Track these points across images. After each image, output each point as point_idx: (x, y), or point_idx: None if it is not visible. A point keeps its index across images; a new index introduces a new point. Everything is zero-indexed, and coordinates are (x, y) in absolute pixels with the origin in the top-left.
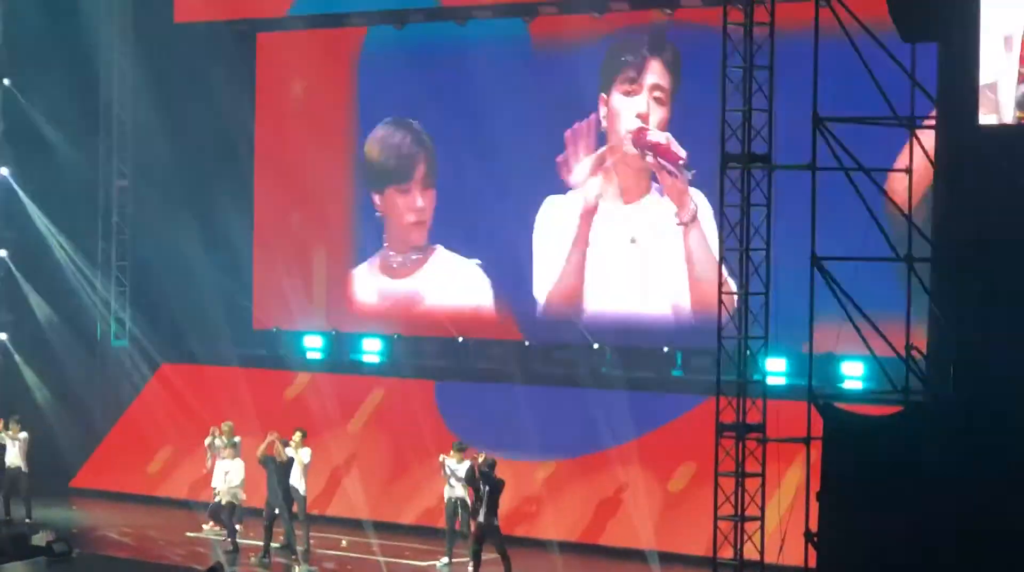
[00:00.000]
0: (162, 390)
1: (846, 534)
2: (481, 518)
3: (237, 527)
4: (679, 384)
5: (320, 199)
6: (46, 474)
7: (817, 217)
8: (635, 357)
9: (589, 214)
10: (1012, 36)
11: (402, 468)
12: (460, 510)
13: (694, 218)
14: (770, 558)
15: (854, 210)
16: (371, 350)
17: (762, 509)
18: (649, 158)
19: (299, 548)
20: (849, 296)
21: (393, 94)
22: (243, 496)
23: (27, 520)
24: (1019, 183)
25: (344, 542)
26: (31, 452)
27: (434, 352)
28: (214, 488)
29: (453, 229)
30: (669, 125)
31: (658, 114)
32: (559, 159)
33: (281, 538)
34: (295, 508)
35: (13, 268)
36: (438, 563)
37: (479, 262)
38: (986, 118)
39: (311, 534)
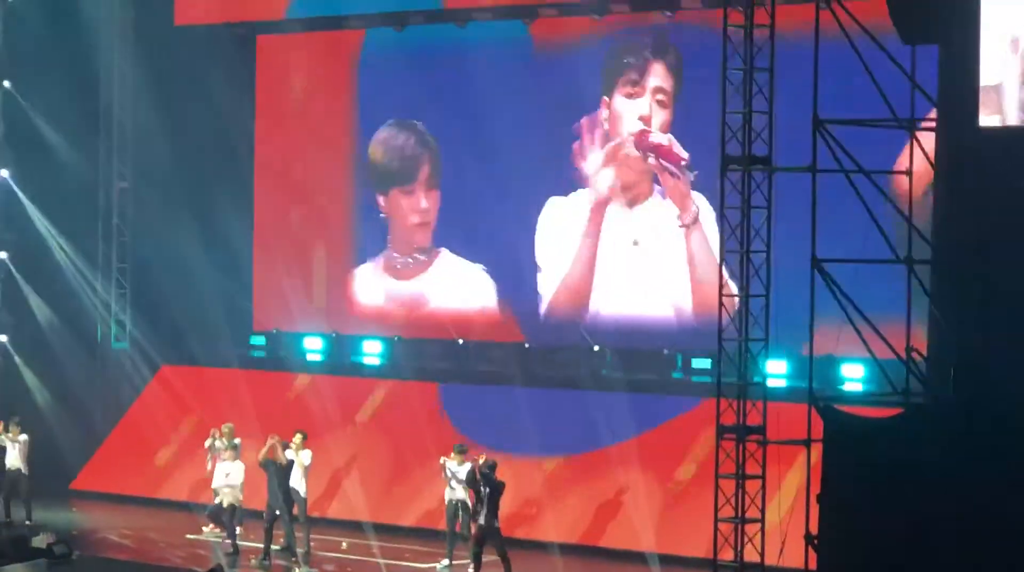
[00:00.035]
0: (162, 392)
1: (846, 536)
2: (482, 520)
3: (237, 529)
4: (679, 386)
5: (320, 201)
6: (46, 476)
7: (817, 219)
8: (635, 359)
9: (601, 206)
10: (1019, 38)
11: (402, 470)
12: (461, 512)
13: (696, 220)
14: (770, 560)
15: (854, 212)
16: (371, 352)
17: (762, 511)
18: (651, 160)
19: (299, 550)
20: (849, 298)
21: (393, 96)
22: (241, 497)
23: (27, 522)
24: (1019, 185)
25: (344, 544)
26: (31, 454)
27: (435, 354)
28: (214, 490)
29: (457, 231)
30: (671, 127)
31: (660, 116)
32: (575, 146)
33: (281, 540)
34: (296, 510)
35: (13, 270)
36: (438, 565)
37: (484, 267)
38: (989, 119)
39: (311, 536)
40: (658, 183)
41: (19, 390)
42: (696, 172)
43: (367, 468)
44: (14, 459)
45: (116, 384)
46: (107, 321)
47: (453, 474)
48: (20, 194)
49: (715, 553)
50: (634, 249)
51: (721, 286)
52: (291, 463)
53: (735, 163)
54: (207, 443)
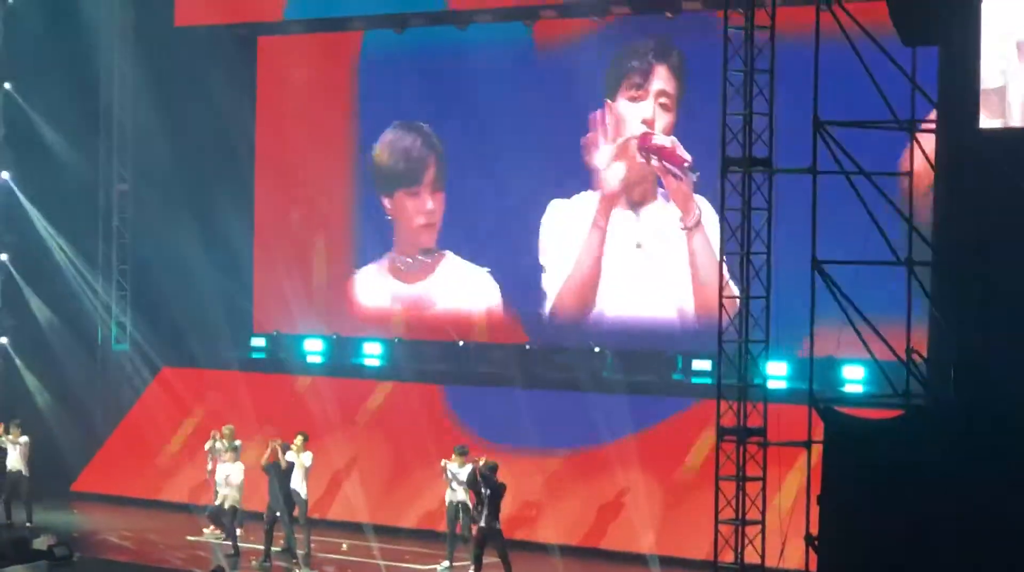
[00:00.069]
0: (163, 393)
1: (847, 537)
2: (483, 522)
3: (238, 530)
4: (680, 388)
5: (321, 202)
6: (47, 478)
7: (818, 221)
8: (636, 361)
9: (609, 203)
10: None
11: (403, 472)
12: (461, 514)
13: (698, 223)
14: (771, 562)
15: (854, 214)
16: (372, 354)
17: (763, 513)
18: (654, 162)
19: (300, 552)
20: (850, 300)
21: (394, 98)
22: (241, 498)
23: (28, 524)
24: (1019, 186)
25: (345, 546)
26: (32, 456)
27: (435, 356)
28: (215, 492)
29: (461, 233)
30: (674, 130)
31: (664, 120)
32: (584, 140)
33: (282, 542)
34: (296, 512)
35: (14, 272)
36: (439, 567)
37: (488, 270)
38: (992, 122)
39: (312, 538)
40: (662, 186)
41: (20, 392)
42: (698, 173)
43: (367, 470)
44: (15, 461)
45: (116, 386)
46: (107, 323)
47: (454, 476)
48: (20, 195)
49: (715, 555)
50: (637, 252)
51: (721, 288)
52: (292, 465)
53: (735, 165)
54: (207, 445)
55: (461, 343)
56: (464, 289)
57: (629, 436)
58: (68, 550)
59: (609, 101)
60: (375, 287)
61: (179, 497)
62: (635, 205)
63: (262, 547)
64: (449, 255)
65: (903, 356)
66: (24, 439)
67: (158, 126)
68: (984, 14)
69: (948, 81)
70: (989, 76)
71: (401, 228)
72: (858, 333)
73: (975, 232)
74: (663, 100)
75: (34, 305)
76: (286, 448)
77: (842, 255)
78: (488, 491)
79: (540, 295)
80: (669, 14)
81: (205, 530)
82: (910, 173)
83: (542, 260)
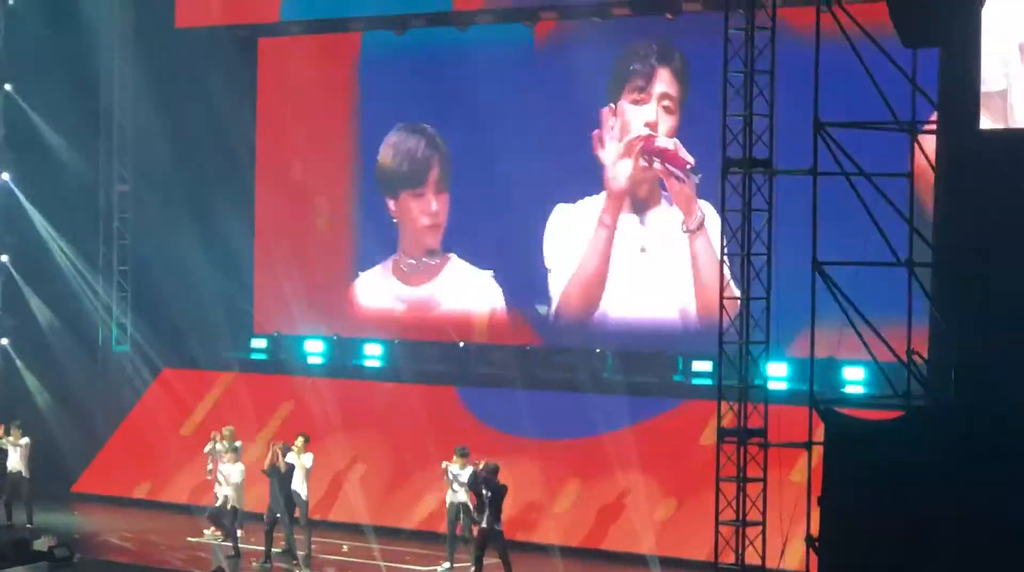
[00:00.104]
0: (163, 395)
1: (847, 538)
2: (484, 523)
3: (238, 532)
4: (681, 389)
5: (321, 203)
6: (48, 479)
7: (818, 222)
8: (637, 362)
9: (617, 199)
10: None
11: (404, 473)
12: (462, 515)
13: (701, 226)
14: (772, 563)
15: (855, 215)
16: (372, 355)
17: (763, 514)
18: (657, 165)
19: (300, 553)
20: (850, 301)
21: (395, 99)
22: (242, 499)
23: (28, 525)
24: (1020, 187)
25: (345, 547)
26: (32, 457)
27: (435, 357)
28: (215, 493)
29: (466, 234)
30: (678, 132)
31: (667, 122)
32: (594, 134)
33: (282, 543)
34: (297, 513)
35: (14, 273)
36: (439, 568)
37: (492, 273)
38: (994, 126)
39: (313, 539)
40: (664, 189)
41: (20, 393)
42: (700, 175)
43: (368, 471)
44: (15, 462)
45: (117, 387)
46: (108, 324)
47: (455, 477)
48: (21, 196)
49: (716, 556)
50: (641, 255)
51: (722, 289)
52: (292, 467)
53: (736, 166)
54: (207, 447)
55: (462, 344)
56: (467, 291)
57: (630, 437)
58: (69, 551)
59: (612, 105)
60: (378, 289)
61: (180, 498)
62: (640, 208)
63: (262, 548)
64: (453, 258)
65: (904, 357)
66: (25, 440)
67: (158, 127)
68: (985, 16)
69: (948, 82)
70: (991, 79)
71: (406, 230)
72: (859, 334)
73: (975, 233)
74: (666, 103)
75: (34, 306)
76: (287, 450)
77: (843, 256)
78: (489, 493)
79: (544, 296)
80: (669, 15)
81: (205, 531)
82: (910, 174)
83: (547, 263)
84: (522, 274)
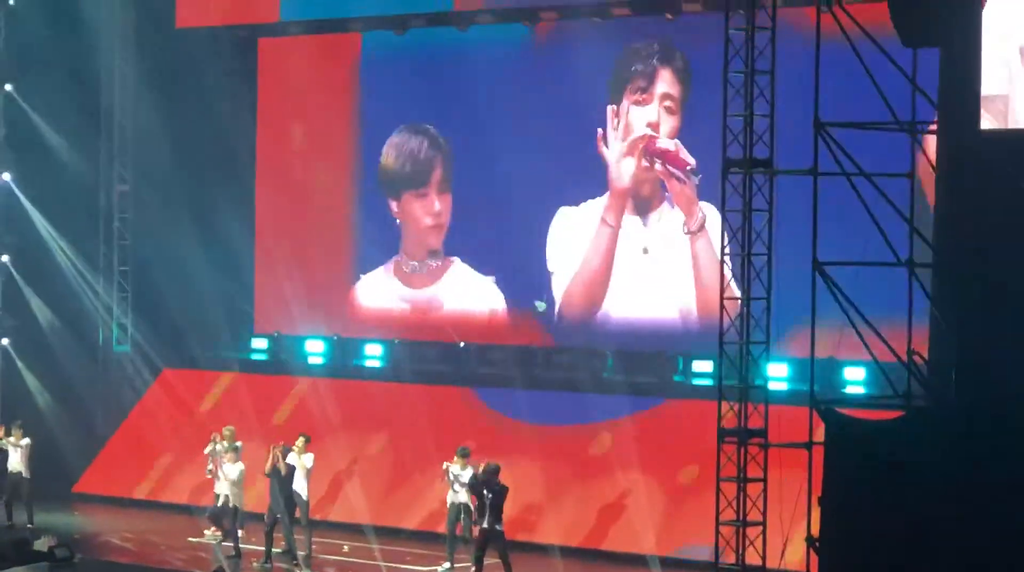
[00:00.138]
0: (164, 395)
1: (848, 539)
2: (485, 524)
3: (239, 532)
4: (681, 389)
5: (322, 204)
6: (48, 479)
7: (819, 222)
8: (637, 362)
9: (620, 198)
10: None
11: (404, 473)
12: (463, 515)
13: (702, 227)
14: (772, 563)
15: (855, 215)
16: (373, 355)
17: (764, 514)
18: (658, 166)
19: (301, 553)
20: (851, 301)
21: (396, 100)
22: (242, 498)
23: (29, 525)
24: (1020, 187)
25: (346, 547)
26: (32, 458)
27: (436, 357)
28: (216, 492)
29: (468, 234)
30: (680, 133)
31: (669, 123)
32: (599, 132)
33: (282, 543)
34: (298, 513)
35: (15, 273)
36: (440, 569)
37: (495, 279)
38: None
39: (313, 539)
40: (667, 190)
41: (21, 393)
42: (700, 176)
43: (368, 471)
44: (16, 463)
45: (117, 387)
46: (108, 324)
47: (456, 477)
48: (21, 197)
49: (716, 556)
50: (644, 257)
51: (723, 289)
52: (292, 468)
53: (737, 166)
54: (208, 449)
55: (462, 344)
56: (469, 292)
57: (630, 437)
58: (69, 551)
59: (614, 106)
60: (379, 290)
61: (180, 498)
62: (643, 208)
63: (263, 549)
64: (456, 262)
65: (904, 357)
66: (26, 441)
67: (159, 127)
68: (986, 18)
69: (949, 82)
70: (992, 82)
71: (408, 230)
72: (859, 334)
73: (976, 233)
74: (668, 103)
75: (35, 306)
76: (287, 451)
77: (843, 256)
78: (490, 495)
79: (545, 295)
80: (669, 16)
81: (206, 531)
82: (911, 174)
83: (550, 266)
84: (524, 275)
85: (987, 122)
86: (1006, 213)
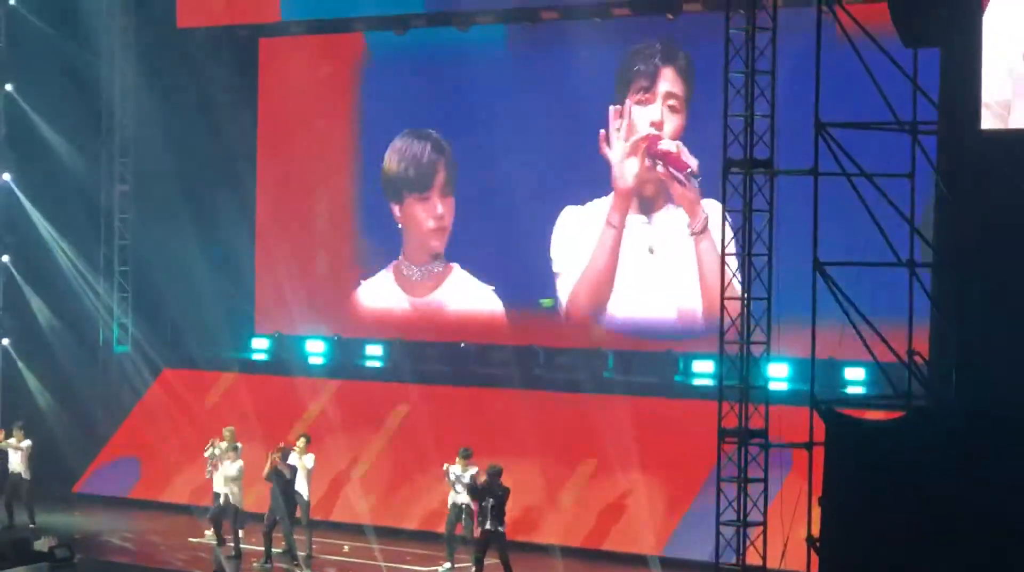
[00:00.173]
0: (164, 395)
1: (848, 539)
2: (487, 524)
3: (240, 532)
4: (682, 389)
5: (322, 203)
6: (49, 479)
7: (819, 222)
8: (637, 362)
9: (624, 198)
10: None
11: (404, 474)
12: (464, 516)
13: (705, 227)
14: (772, 563)
15: (856, 215)
16: (373, 355)
17: (764, 514)
18: (660, 167)
19: (301, 554)
20: (851, 301)
21: (397, 100)
22: (241, 497)
23: (31, 525)
24: (1020, 187)
25: (346, 548)
26: (33, 458)
27: (436, 357)
28: (215, 492)
29: (470, 239)
30: (684, 132)
31: (673, 122)
32: (601, 133)
33: (283, 544)
34: (298, 513)
35: (15, 273)
36: (440, 569)
37: (495, 288)
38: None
39: (313, 539)
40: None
41: (21, 393)
42: (699, 179)
43: (369, 471)
44: (16, 464)
45: (118, 387)
46: (109, 324)
47: (458, 478)
48: (21, 197)
49: (717, 556)
50: (649, 256)
51: (723, 289)
52: (295, 469)
53: (737, 166)
54: (207, 452)
55: (463, 344)
56: (470, 296)
57: (631, 437)
58: (69, 551)
59: (618, 107)
60: (377, 290)
61: (180, 499)
62: (647, 208)
63: (262, 549)
64: (456, 269)
65: (904, 357)
66: (27, 443)
67: (159, 127)
68: (990, 24)
69: (949, 83)
70: (997, 88)
71: (410, 234)
72: (860, 334)
73: (976, 233)
74: (671, 102)
75: (35, 306)
76: (288, 452)
77: (844, 256)
78: (492, 500)
79: (550, 293)
80: (670, 16)
81: (207, 532)
82: (912, 174)
83: (555, 267)
84: (528, 277)
85: (989, 124)
86: (1006, 213)
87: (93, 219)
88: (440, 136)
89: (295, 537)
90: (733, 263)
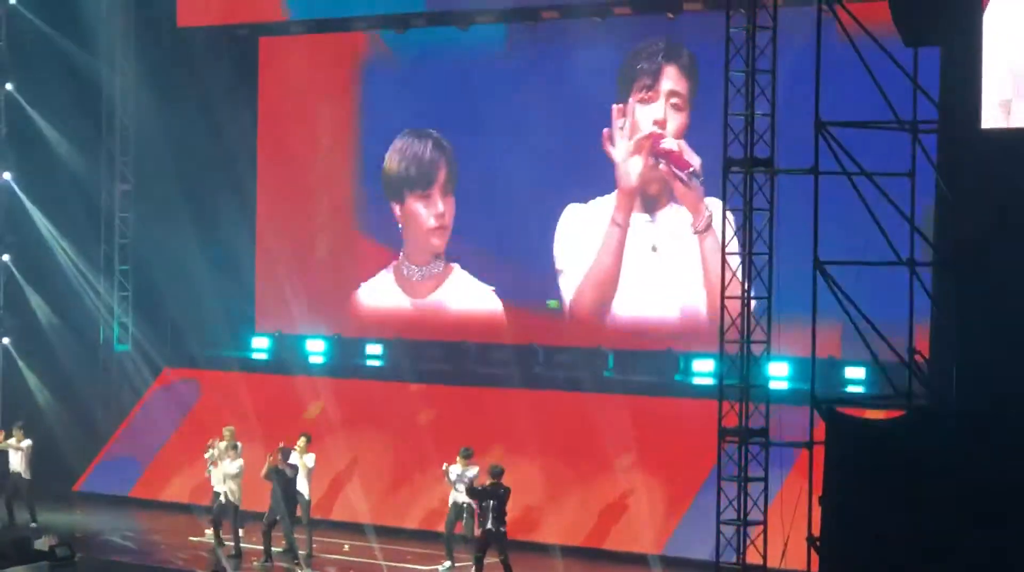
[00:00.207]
0: (164, 394)
1: (849, 538)
2: (488, 525)
3: (239, 531)
4: (682, 388)
5: (323, 203)
6: (49, 478)
7: (820, 221)
8: (638, 361)
9: (629, 197)
10: None
11: (404, 473)
12: (465, 515)
13: (709, 226)
14: (773, 562)
15: (857, 214)
16: (374, 354)
17: (764, 513)
18: (662, 166)
19: (301, 552)
20: (852, 300)
21: (398, 99)
22: (240, 495)
23: (33, 524)
24: (1021, 186)
25: (347, 547)
26: (33, 459)
27: (437, 356)
28: (214, 494)
29: (472, 238)
30: (687, 131)
31: (676, 120)
32: (604, 132)
33: (283, 543)
34: (299, 512)
35: (16, 272)
36: (440, 568)
37: (495, 289)
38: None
39: (314, 538)
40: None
41: (21, 392)
42: (702, 178)
43: (369, 470)
44: (16, 463)
45: (118, 386)
46: (109, 323)
47: (459, 478)
48: (22, 196)
49: (717, 555)
50: (652, 255)
51: (723, 288)
52: (297, 468)
53: (737, 165)
54: (207, 454)
55: (463, 343)
56: (470, 295)
57: (631, 436)
58: (70, 550)
59: (621, 105)
60: (378, 289)
61: (181, 498)
62: (651, 206)
63: (262, 547)
64: (456, 269)
65: (905, 357)
66: (27, 443)
67: (160, 126)
68: (992, 23)
69: (950, 81)
70: (999, 88)
71: (411, 233)
72: (860, 334)
73: (977, 233)
74: (674, 100)
75: (36, 305)
76: (288, 452)
77: (844, 255)
78: (493, 500)
79: (554, 295)
80: (670, 15)
81: (207, 531)
82: (912, 173)
83: (558, 265)
84: (531, 275)
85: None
86: (1007, 212)
87: (93, 218)
88: (441, 135)
89: (295, 536)
90: (734, 262)
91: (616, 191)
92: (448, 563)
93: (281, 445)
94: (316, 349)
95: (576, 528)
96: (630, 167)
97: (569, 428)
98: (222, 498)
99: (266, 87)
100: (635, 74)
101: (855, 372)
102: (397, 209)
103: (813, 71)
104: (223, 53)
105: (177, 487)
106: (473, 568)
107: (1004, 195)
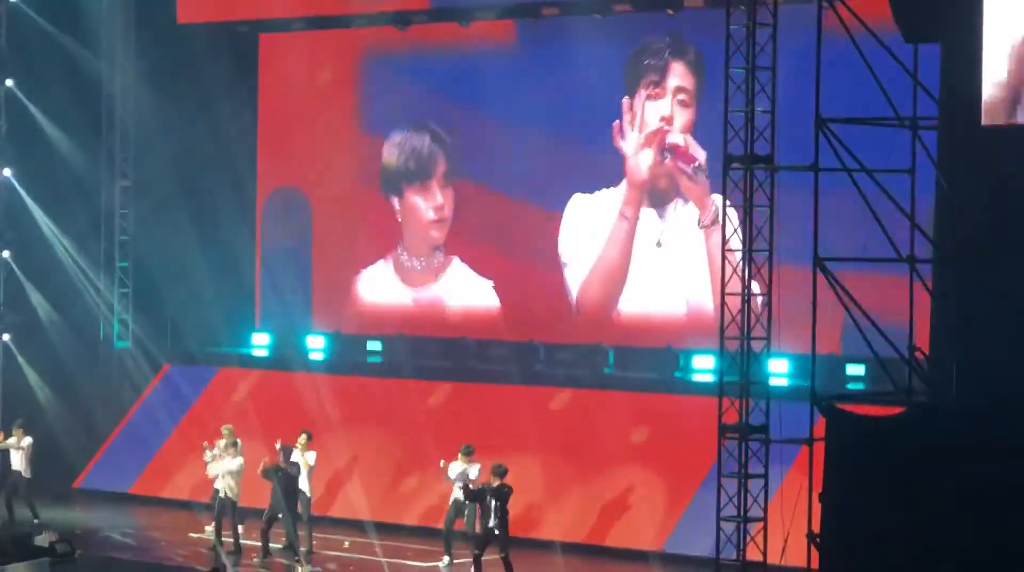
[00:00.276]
0: (164, 391)
1: (849, 535)
2: (490, 523)
3: (239, 527)
4: (682, 385)
5: (323, 199)
6: (49, 475)
7: (820, 218)
8: (638, 358)
9: (638, 190)
10: None
11: (405, 469)
12: (466, 511)
13: (715, 221)
14: (773, 559)
15: (857, 211)
16: (373, 351)
17: (765, 510)
18: (668, 161)
19: (302, 549)
20: (852, 297)
21: (398, 95)
22: (238, 492)
23: (35, 520)
24: (1022, 183)
25: (347, 543)
26: (33, 457)
27: (437, 353)
28: (214, 491)
29: (470, 233)
30: (695, 126)
31: (683, 116)
32: (614, 124)
33: (282, 539)
34: (299, 508)
35: (16, 269)
36: (440, 564)
37: (492, 284)
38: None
39: (314, 535)
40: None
41: (22, 389)
42: (707, 173)
43: (369, 467)
44: (17, 462)
45: (118, 383)
46: (109, 320)
47: (459, 475)
48: (22, 193)
49: (717, 552)
50: (657, 250)
51: (724, 285)
52: (298, 466)
53: (738, 162)
54: (206, 456)
55: (464, 340)
56: (469, 290)
57: (631, 433)
58: (70, 547)
59: (628, 99)
60: (377, 285)
61: (181, 494)
62: (659, 201)
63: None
64: (456, 262)
65: (905, 353)
66: (27, 441)
67: (160, 123)
68: (992, 12)
69: (950, 78)
70: (996, 80)
71: (410, 227)
72: (860, 331)
73: (977, 229)
74: (681, 96)
75: (36, 302)
76: (289, 450)
77: (844, 252)
78: (495, 499)
79: (555, 291)
80: (670, 11)
81: (207, 527)
82: (912, 170)
83: (563, 258)
84: (532, 271)
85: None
86: (1008, 209)
87: (93, 215)
88: (441, 130)
89: (296, 533)
90: (735, 259)
91: (625, 184)
92: (447, 559)
93: (281, 445)
94: (316, 345)
95: (577, 525)
96: (640, 160)
97: (569, 425)
98: (221, 494)
99: (266, 83)
100: (642, 70)
101: (855, 369)
102: (396, 203)
103: (813, 68)
104: (223, 50)
105: (177, 484)
106: (472, 567)
107: (1005, 191)
